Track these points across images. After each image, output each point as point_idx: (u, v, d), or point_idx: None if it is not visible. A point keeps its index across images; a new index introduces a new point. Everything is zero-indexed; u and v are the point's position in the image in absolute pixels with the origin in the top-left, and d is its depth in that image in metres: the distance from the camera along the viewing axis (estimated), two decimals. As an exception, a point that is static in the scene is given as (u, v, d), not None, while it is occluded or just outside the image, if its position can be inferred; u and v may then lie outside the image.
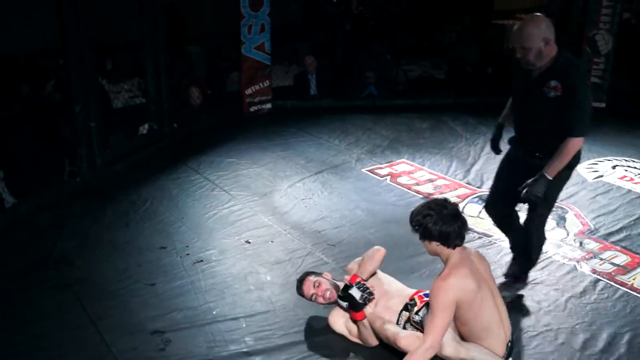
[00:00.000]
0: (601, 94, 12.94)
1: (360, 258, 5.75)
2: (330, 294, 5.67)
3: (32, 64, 13.43)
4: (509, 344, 4.99)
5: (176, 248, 7.30)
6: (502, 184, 6.35)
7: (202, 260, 7.04)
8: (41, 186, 8.86)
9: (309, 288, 5.75)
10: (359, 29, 17.56)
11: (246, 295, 6.35)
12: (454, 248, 4.87)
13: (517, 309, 6.11)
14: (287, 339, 5.69)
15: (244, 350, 5.57)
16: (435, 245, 4.91)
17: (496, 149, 6.60)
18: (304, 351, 5.56)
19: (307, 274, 5.90)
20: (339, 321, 5.70)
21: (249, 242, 7.46)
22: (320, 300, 5.70)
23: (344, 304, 5.45)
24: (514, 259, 6.67)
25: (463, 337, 4.97)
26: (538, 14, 5.84)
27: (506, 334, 4.97)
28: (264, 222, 7.94)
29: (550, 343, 5.63)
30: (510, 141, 6.29)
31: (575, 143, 5.79)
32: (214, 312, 6.09)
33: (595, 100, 12.48)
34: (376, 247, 5.75)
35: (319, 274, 5.85)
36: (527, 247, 6.41)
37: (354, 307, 5.41)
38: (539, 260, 6.69)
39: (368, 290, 5.44)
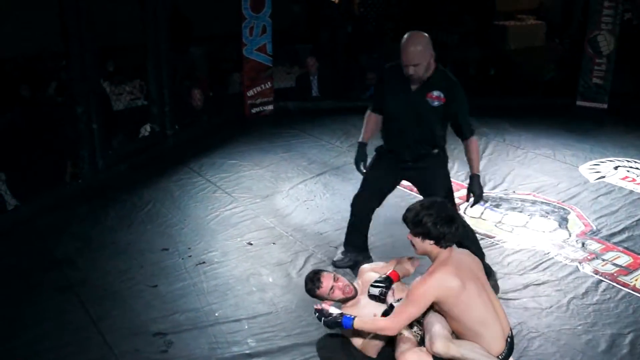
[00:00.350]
0: (603, 94, 12.95)
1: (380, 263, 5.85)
2: (349, 289, 5.66)
3: (32, 66, 13.43)
4: (509, 339, 4.96)
5: (178, 250, 7.30)
6: (378, 183, 6.55)
7: (204, 262, 7.04)
8: (43, 188, 8.87)
9: (328, 281, 5.66)
10: (361, 31, 17.54)
11: (248, 297, 6.35)
12: (445, 248, 4.91)
13: (518, 309, 6.12)
14: (289, 341, 5.69)
15: (246, 352, 5.57)
16: (427, 244, 4.93)
17: (362, 170, 6.64)
18: (306, 353, 5.56)
19: (320, 270, 5.88)
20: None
21: (251, 244, 7.46)
22: (338, 293, 5.62)
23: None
24: (347, 252, 6.96)
25: (458, 334, 4.94)
26: (417, 31, 6.04)
27: (504, 329, 4.93)
28: (266, 224, 7.94)
29: (552, 344, 5.63)
30: (384, 150, 6.54)
31: (476, 141, 6.42)
32: (216, 314, 6.10)
33: (597, 101, 12.55)
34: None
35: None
36: None
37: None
38: (541, 262, 6.76)
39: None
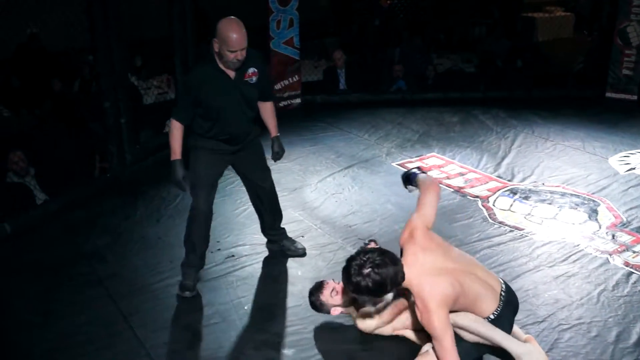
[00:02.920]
0: (633, 86, 12.84)
1: None
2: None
3: (62, 61, 13.49)
4: (503, 294, 4.94)
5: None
6: (210, 179, 6.35)
7: (233, 256, 7.06)
8: (72, 183, 8.91)
9: (329, 285, 5.69)
10: (389, 23, 17.51)
11: (277, 290, 6.35)
12: (403, 280, 4.55)
13: (549, 301, 6.09)
14: (318, 333, 5.69)
15: (276, 344, 5.58)
16: (391, 295, 4.70)
17: (183, 187, 6.30)
18: (335, 344, 5.58)
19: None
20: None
21: (280, 237, 7.47)
22: (341, 295, 5.62)
23: None
24: (272, 241, 7.12)
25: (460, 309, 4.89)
26: (229, 17, 5.93)
27: (494, 288, 4.91)
28: (294, 217, 7.94)
29: (583, 336, 5.60)
30: (206, 146, 6.28)
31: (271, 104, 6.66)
32: (245, 307, 6.11)
33: (627, 92, 12.46)
34: None
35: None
36: (277, 203, 7.05)
37: None
38: (571, 254, 6.76)
39: None
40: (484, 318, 4.88)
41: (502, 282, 5.06)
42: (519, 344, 4.93)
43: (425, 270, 4.63)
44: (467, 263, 4.96)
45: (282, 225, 7.15)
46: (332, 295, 5.67)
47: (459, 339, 4.78)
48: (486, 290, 4.88)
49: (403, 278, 4.50)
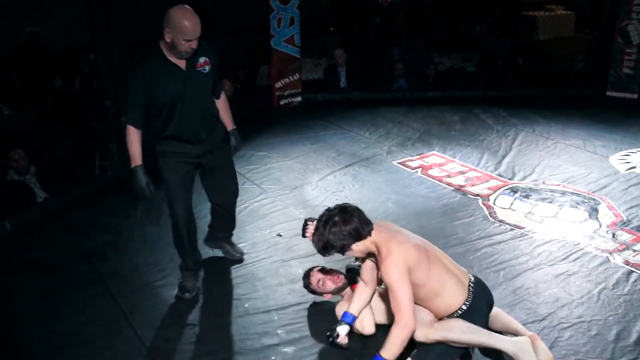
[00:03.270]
0: (633, 84, 12.84)
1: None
2: (338, 278, 5.88)
3: (63, 59, 13.51)
4: (471, 285, 5.02)
5: (208, 241, 7.33)
6: (184, 187, 6.21)
7: (233, 254, 7.06)
8: (72, 181, 8.91)
9: (316, 274, 5.91)
10: (390, 22, 17.52)
11: (278, 288, 6.36)
12: (370, 234, 4.91)
13: (549, 300, 6.10)
14: (319, 332, 5.69)
15: (276, 342, 5.60)
16: (359, 246, 4.94)
17: (147, 194, 6.07)
18: (335, 344, 5.57)
19: (313, 267, 6.07)
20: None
21: (280, 235, 7.48)
22: (329, 284, 5.84)
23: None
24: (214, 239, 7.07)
25: (426, 298, 4.99)
26: (180, 5, 5.76)
27: (461, 279, 5.01)
28: (295, 215, 7.95)
29: (583, 335, 5.60)
30: (170, 149, 6.12)
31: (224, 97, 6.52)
32: (246, 305, 6.12)
33: (628, 91, 12.46)
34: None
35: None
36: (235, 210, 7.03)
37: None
38: (571, 252, 6.82)
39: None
40: (457, 310, 4.95)
41: (472, 276, 5.14)
42: (512, 342, 4.95)
43: (394, 235, 4.93)
44: (436, 250, 5.13)
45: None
46: (320, 285, 5.86)
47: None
48: (453, 279, 4.97)
49: (369, 232, 4.90)
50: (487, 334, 4.92)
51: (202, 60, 5.89)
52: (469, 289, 4.98)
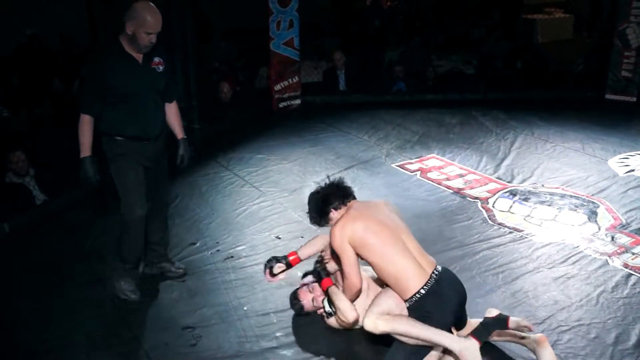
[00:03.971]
0: (632, 87, 12.85)
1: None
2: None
3: (62, 61, 13.49)
4: (435, 273, 5.06)
5: (206, 244, 7.34)
6: (140, 186, 6.18)
7: (232, 256, 7.08)
8: (71, 182, 8.90)
9: (306, 294, 5.90)
10: (389, 25, 17.53)
11: (277, 291, 6.35)
12: (344, 205, 5.45)
13: (548, 303, 6.10)
14: (317, 334, 5.69)
15: (275, 345, 5.60)
16: (335, 214, 5.42)
17: (94, 183, 6.19)
18: (334, 345, 5.59)
19: (294, 290, 6.05)
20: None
21: (280, 238, 7.48)
22: (321, 299, 5.78)
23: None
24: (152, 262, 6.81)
25: (384, 280, 5.20)
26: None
27: (422, 266, 5.07)
28: (294, 218, 7.96)
29: (582, 338, 5.61)
30: (123, 147, 6.07)
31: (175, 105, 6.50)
32: (244, 308, 6.12)
33: (626, 94, 12.47)
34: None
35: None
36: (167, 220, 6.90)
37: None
38: (570, 255, 6.84)
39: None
40: (415, 294, 4.99)
41: (441, 267, 5.17)
42: (457, 340, 4.93)
43: (355, 213, 5.32)
44: (405, 235, 5.28)
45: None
46: (315, 304, 5.85)
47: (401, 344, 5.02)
48: (411, 264, 5.04)
49: (341, 203, 5.46)
50: (435, 330, 4.90)
51: (156, 59, 6.04)
52: (431, 276, 5.01)
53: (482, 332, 4.98)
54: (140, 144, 6.06)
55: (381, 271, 5.11)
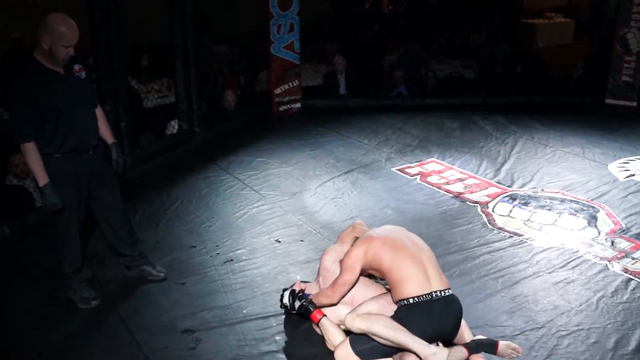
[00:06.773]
0: (632, 92, 12.88)
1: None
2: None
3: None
4: (438, 293, 5.04)
5: (206, 247, 7.32)
6: (78, 212, 6.11)
7: (232, 260, 7.05)
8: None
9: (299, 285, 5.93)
10: (390, 29, 17.54)
11: (276, 295, 6.31)
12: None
13: (548, 307, 6.09)
14: (316, 338, 5.67)
15: (274, 349, 5.58)
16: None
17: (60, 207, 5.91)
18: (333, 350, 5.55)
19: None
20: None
21: (279, 241, 7.47)
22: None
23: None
24: (130, 267, 6.76)
25: (390, 286, 5.24)
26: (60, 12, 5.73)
27: (430, 284, 5.07)
28: (293, 222, 7.95)
29: (582, 342, 5.60)
30: (59, 169, 5.85)
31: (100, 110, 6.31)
32: (244, 311, 6.10)
33: (627, 98, 12.48)
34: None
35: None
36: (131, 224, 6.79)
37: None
38: (570, 260, 6.85)
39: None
40: (404, 299, 5.02)
41: (449, 293, 5.12)
42: (426, 346, 4.92)
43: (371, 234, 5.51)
44: (422, 251, 5.37)
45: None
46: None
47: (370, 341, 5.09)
48: (418, 273, 5.10)
49: None
50: (410, 336, 4.89)
51: (76, 67, 5.85)
52: (431, 293, 5.00)
53: (473, 348, 5.01)
54: (80, 157, 5.92)
55: (389, 274, 5.14)
